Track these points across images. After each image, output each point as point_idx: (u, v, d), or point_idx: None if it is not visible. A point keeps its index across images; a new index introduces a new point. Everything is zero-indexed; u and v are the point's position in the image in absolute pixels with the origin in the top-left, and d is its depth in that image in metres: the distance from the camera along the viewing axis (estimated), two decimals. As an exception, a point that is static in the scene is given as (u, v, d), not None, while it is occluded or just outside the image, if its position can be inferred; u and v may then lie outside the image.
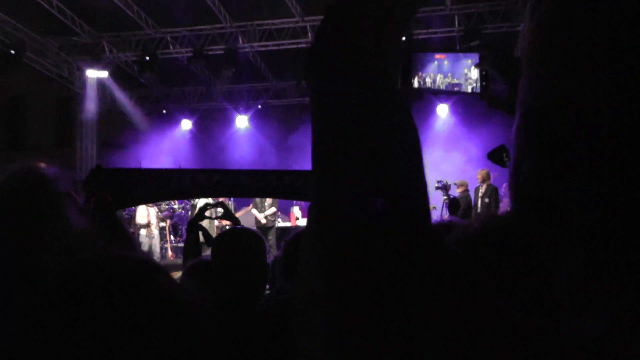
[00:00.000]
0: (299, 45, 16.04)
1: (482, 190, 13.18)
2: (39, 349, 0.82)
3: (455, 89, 1.45)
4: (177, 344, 0.86)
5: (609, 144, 0.62)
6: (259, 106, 20.10)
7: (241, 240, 2.98)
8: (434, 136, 17.87)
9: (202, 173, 4.27)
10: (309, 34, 15.78)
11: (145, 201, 11.60)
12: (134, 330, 0.83)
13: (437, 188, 13.45)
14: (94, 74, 18.21)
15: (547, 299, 0.98)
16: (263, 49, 16.93)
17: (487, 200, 12.85)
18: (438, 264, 0.64)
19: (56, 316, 0.84)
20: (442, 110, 17.84)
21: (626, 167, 0.61)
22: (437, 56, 1.43)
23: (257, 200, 14.14)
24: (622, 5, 0.65)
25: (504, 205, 13.65)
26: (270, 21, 16.07)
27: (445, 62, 1.43)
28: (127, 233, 3.26)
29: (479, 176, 13.28)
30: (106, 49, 17.34)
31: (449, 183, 13.37)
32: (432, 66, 1.42)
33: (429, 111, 17.63)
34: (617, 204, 0.62)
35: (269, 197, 13.27)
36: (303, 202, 15.37)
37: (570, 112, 0.64)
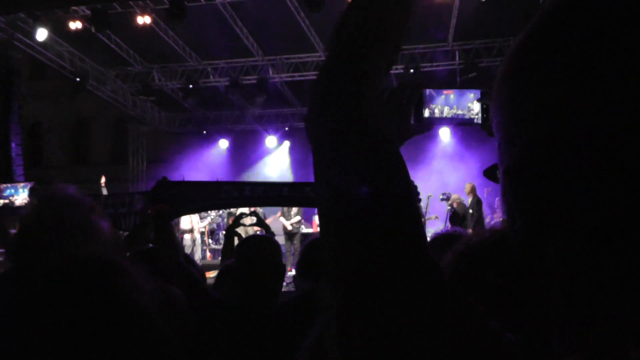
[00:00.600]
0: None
1: (468, 202, 12.82)
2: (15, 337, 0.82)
3: (461, 114, 1.42)
4: (124, 336, 0.84)
5: (591, 198, 0.56)
6: (286, 128, 20.14)
7: (259, 246, 2.96)
8: (438, 155, 17.88)
9: (248, 185, 4.32)
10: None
11: (200, 210, 11.60)
12: (85, 322, 0.81)
13: (442, 199, 13.25)
14: (145, 98, 18.37)
15: (539, 318, 0.91)
16: (290, 79, 16.90)
17: (471, 211, 12.56)
18: (434, 290, 0.62)
19: (25, 306, 0.84)
20: (445, 133, 17.80)
21: (612, 224, 0.55)
22: (445, 92, 1.43)
23: (285, 209, 14.13)
24: (563, 56, 0.58)
25: (498, 215, 13.49)
26: (296, 55, 16.11)
27: (452, 96, 1.42)
28: (175, 239, 3.22)
29: (466, 189, 12.93)
30: (155, 78, 17.42)
31: (452, 195, 13.11)
32: (440, 99, 1.41)
33: (433, 134, 17.55)
34: (604, 257, 0.57)
35: (307, 206, 13.12)
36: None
37: (544, 169, 0.59)
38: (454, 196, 13.02)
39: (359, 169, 0.68)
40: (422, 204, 13.17)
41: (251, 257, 2.87)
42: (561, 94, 0.57)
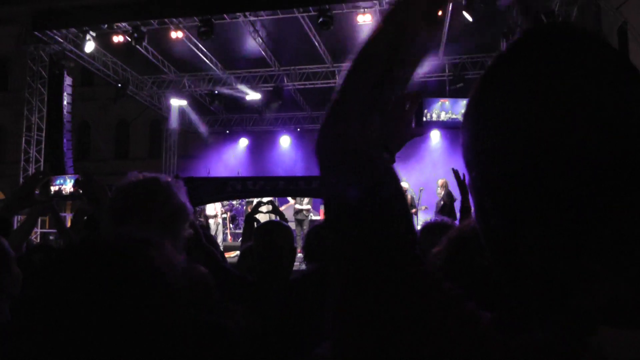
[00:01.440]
0: (329, 85, 16.09)
1: (440, 194, 12.63)
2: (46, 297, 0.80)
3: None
4: (152, 301, 0.81)
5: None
6: (298, 129, 20.14)
7: (274, 230, 2.94)
8: (429, 153, 17.84)
9: (250, 180, 4.34)
10: (336, 76, 15.86)
11: (208, 202, 11.61)
12: (115, 290, 0.79)
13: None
14: (177, 103, 18.41)
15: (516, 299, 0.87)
16: (301, 87, 16.85)
17: (442, 202, 12.41)
18: (416, 280, 0.61)
19: (62, 274, 0.82)
20: (435, 134, 17.76)
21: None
22: (442, 100, 1.47)
23: (297, 198, 14.18)
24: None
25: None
26: (307, 66, 16.06)
27: (447, 103, 1.44)
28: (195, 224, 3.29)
29: (439, 184, 12.68)
30: (186, 84, 17.43)
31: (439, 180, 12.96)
32: (437, 106, 1.44)
33: (425, 136, 17.53)
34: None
35: (300, 196, 12.94)
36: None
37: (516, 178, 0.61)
38: (443, 181, 12.98)
39: (357, 183, 0.68)
40: (415, 196, 13.18)
41: (267, 239, 2.85)
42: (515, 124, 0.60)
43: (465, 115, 0.68)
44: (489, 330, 0.57)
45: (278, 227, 2.98)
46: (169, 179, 1.75)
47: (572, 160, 0.57)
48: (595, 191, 0.57)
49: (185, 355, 0.85)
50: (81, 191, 2.15)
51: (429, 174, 15.56)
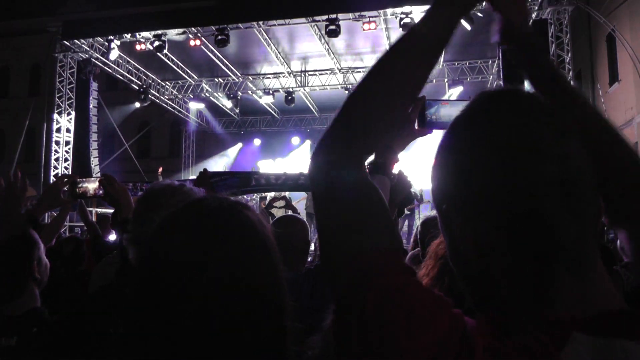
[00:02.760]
0: (335, 88, 16.20)
1: None
2: (169, 244, 0.80)
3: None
4: (249, 251, 0.82)
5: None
6: (308, 130, 20.16)
7: (290, 223, 2.88)
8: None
9: (273, 175, 4.33)
10: (342, 79, 15.93)
11: (233, 195, 11.69)
12: (225, 238, 0.80)
13: None
14: (195, 106, 18.50)
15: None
16: (311, 90, 16.95)
17: None
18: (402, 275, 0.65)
19: (180, 226, 0.83)
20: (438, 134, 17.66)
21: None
22: (443, 103, 1.43)
23: (309, 193, 14.20)
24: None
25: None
26: (317, 71, 16.12)
27: (448, 106, 1.42)
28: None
29: None
30: (204, 88, 17.51)
31: None
32: (439, 107, 1.41)
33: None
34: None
35: (299, 190, 12.77)
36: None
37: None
38: None
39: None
40: (418, 191, 13.23)
41: (283, 232, 2.84)
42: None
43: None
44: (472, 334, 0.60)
45: (293, 221, 2.95)
46: (193, 187, 1.76)
47: (498, 201, 0.64)
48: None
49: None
50: (102, 192, 2.18)
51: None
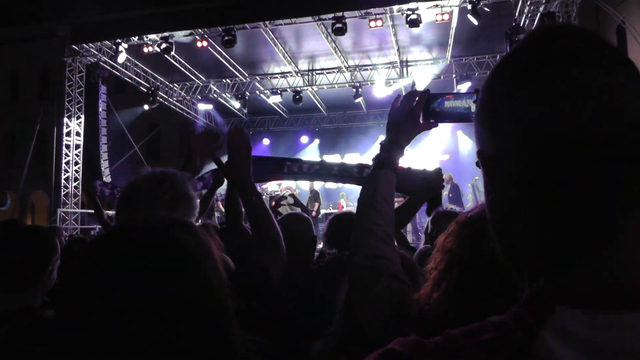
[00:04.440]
0: (343, 87, 16.18)
1: (447, 188, 12.87)
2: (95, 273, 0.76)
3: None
4: (180, 284, 0.76)
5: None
6: (316, 129, 20.15)
7: (297, 220, 2.90)
8: (442, 149, 17.79)
9: (306, 163, 4.19)
10: (349, 77, 15.93)
11: (266, 180, 11.61)
12: (151, 268, 0.75)
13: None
14: (203, 107, 18.56)
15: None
16: (319, 89, 16.94)
17: (451, 195, 12.63)
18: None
19: (104, 254, 0.78)
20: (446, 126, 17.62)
21: None
22: (448, 96, 1.44)
23: (311, 196, 14.39)
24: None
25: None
26: (324, 69, 16.12)
27: (452, 99, 1.43)
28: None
29: (445, 178, 13.01)
30: (212, 89, 17.56)
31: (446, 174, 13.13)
32: (442, 99, 1.42)
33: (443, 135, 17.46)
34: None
35: (351, 183, 12.97)
36: (348, 195, 15.55)
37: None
38: (448, 175, 13.08)
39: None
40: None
41: (290, 230, 2.77)
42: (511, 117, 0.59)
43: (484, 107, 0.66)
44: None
45: (298, 218, 2.97)
46: (176, 171, 1.74)
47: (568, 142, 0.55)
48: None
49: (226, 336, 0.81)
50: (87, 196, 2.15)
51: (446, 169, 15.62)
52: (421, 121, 1.41)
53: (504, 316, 0.56)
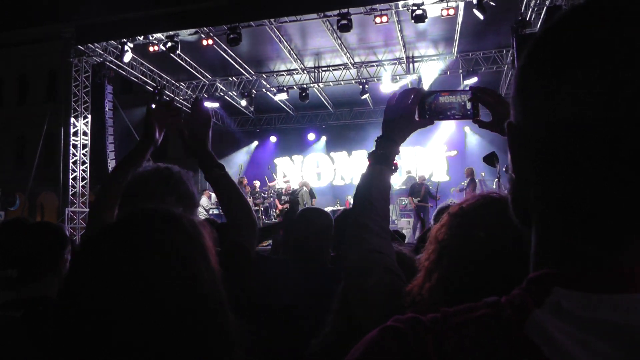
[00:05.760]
0: (349, 83, 16.16)
1: (466, 181, 13.00)
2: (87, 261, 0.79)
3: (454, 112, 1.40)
4: (165, 280, 0.77)
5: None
6: (323, 126, 20.14)
7: (316, 213, 2.85)
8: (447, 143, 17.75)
9: None
10: (356, 74, 15.91)
11: None
12: (137, 258, 0.77)
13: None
14: (210, 105, 18.58)
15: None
16: (325, 86, 16.93)
17: (467, 189, 12.55)
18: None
19: (98, 243, 0.81)
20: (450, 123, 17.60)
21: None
22: (443, 93, 1.42)
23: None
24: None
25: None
26: (330, 66, 16.11)
27: (447, 95, 1.41)
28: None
29: (466, 172, 13.15)
30: (218, 87, 17.62)
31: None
32: (437, 95, 1.42)
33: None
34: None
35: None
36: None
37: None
38: (467, 169, 13.17)
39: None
40: (433, 188, 13.55)
41: (308, 223, 2.79)
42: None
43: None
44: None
45: (318, 212, 2.91)
46: (180, 169, 1.77)
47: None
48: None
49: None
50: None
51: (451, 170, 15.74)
52: (417, 118, 1.42)
53: (501, 298, 0.57)
